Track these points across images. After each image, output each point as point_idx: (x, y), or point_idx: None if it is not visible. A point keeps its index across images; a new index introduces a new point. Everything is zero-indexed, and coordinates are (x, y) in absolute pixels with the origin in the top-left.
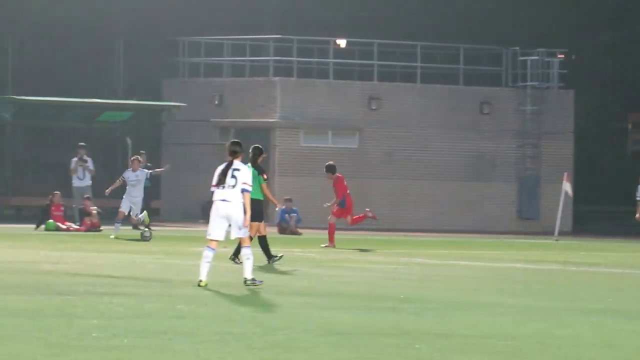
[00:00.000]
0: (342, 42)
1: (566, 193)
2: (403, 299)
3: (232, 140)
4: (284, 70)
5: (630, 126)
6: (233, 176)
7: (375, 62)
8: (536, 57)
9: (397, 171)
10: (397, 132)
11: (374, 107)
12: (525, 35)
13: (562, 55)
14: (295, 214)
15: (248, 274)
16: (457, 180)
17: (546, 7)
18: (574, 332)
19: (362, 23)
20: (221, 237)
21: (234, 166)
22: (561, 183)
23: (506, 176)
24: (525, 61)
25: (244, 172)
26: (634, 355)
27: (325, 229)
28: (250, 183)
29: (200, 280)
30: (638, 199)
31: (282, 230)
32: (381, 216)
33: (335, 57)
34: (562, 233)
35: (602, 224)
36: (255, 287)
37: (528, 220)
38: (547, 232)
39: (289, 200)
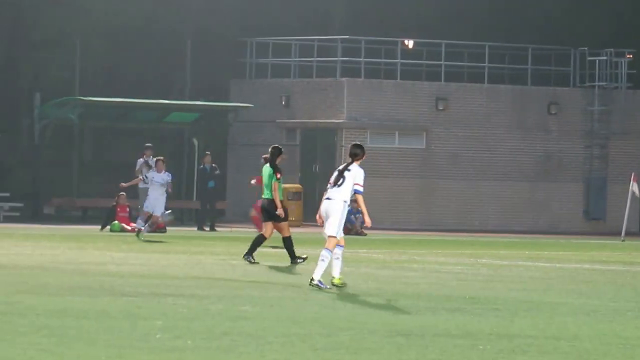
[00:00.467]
0: (409, 43)
1: (634, 193)
2: (468, 300)
3: (355, 142)
4: (351, 71)
5: None
6: (343, 176)
7: (442, 62)
8: (604, 57)
9: (463, 172)
10: (464, 132)
11: (441, 108)
12: (595, 35)
13: (631, 56)
14: (360, 215)
15: (336, 272)
16: (523, 181)
17: (615, 6)
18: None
19: (430, 23)
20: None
21: (348, 167)
22: (629, 183)
23: (573, 176)
24: (593, 61)
25: (354, 173)
26: None
27: (392, 229)
28: (362, 183)
29: (333, 277)
30: None
31: (347, 231)
32: (448, 217)
33: (402, 58)
34: (629, 233)
35: None
36: (318, 289)
37: (595, 220)
38: (614, 233)
39: (354, 201)
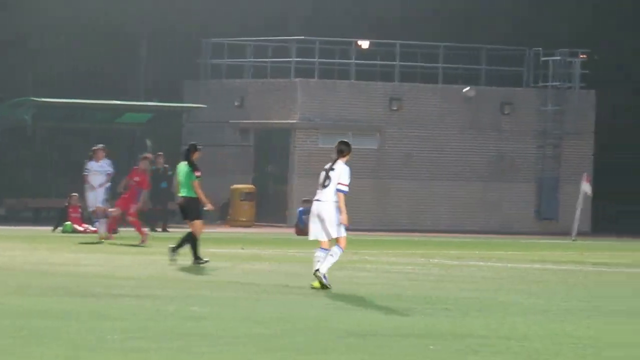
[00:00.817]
0: (364, 44)
1: (585, 193)
2: (420, 300)
3: (341, 140)
4: (305, 72)
5: None
6: (328, 176)
7: (396, 63)
8: (558, 58)
9: (416, 172)
10: (418, 132)
11: (394, 108)
12: (549, 36)
13: (585, 56)
14: None
15: (324, 268)
16: (476, 181)
17: (570, 8)
18: (592, 332)
19: (384, 24)
20: (322, 238)
21: (333, 166)
22: (580, 183)
23: (526, 176)
24: (547, 62)
25: (338, 172)
26: None
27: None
28: (345, 182)
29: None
30: None
31: (300, 231)
32: (403, 218)
33: (356, 58)
34: (581, 233)
35: (623, 223)
36: (321, 284)
37: (547, 220)
38: (566, 233)
39: (308, 201)
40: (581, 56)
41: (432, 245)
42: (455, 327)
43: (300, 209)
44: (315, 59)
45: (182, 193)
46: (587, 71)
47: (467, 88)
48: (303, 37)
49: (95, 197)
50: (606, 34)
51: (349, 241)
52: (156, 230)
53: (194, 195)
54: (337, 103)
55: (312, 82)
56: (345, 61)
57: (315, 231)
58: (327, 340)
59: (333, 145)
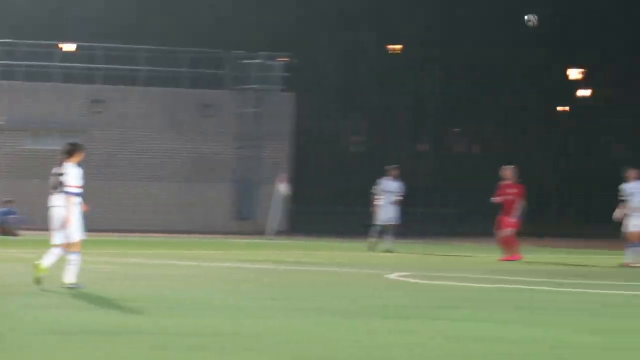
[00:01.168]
0: (67, 46)
1: (282, 194)
2: (116, 298)
3: (69, 141)
4: (10, 74)
5: (350, 126)
6: (59, 180)
7: (98, 65)
8: (258, 61)
9: (120, 172)
10: (121, 133)
11: (98, 110)
12: (250, 40)
13: (285, 59)
14: (15, 215)
15: (70, 278)
16: (176, 182)
17: (269, 13)
18: (280, 327)
19: (86, 26)
20: (64, 240)
21: (61, 169)
22: (281, 183)
23: (225, 177)
24: (248, 64)
25: (66, 175)
26: (355, 349)
27: (44, 229)
28: (73, 184)
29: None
30: (624, 198)
31: (2, 231)
32: (103, 218)
33: (60, 61)
34: (280, 233)
35: (321, 223)
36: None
37: (246, 220)
38: (266, 232)
39: (10, 201)
40: (281, 59)
41: (132, 245)
42: (150, 323)
43: (3, 209)
44: (20, 62)
45: None
46: (288, 74)
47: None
48: (8, 40)
49: None
50: (305, 38)
51: (47, 241)
52: None
53: None
54: (41, 105)
55: (16, 85)
56: (50, 64)
57: (57, 237)
58: (22, 338)
59: (40, 146)
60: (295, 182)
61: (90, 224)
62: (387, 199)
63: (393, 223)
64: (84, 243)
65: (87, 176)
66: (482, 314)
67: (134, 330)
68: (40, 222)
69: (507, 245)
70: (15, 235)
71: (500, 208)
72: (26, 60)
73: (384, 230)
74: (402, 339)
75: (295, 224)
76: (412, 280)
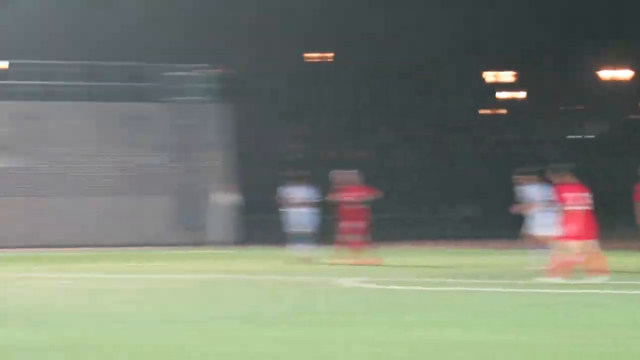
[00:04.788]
0: (3, 64)
1: (224, 203)
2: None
3: None
4: None
5: (288, 134)
6: None
7: (21, 82)
8: (187, 73)
9: (51, 188)
10: (56, 149)
11: (26, 127)
12: (183, 51)
13: (216, 70)
14: None
15: None
16: (114, 195)
17: (182, 25)
18: (178, 341)
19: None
20: None
21: None
22: (221, 193)
23: (164, 189)
24: (178, 77)
25: None
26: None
27: None
28: None
29: None
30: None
31: None
32: (28, 234)
33: None
34: (225, 243)
35: (265, 233)
36: None
37: (189, 231)
38: (211, 243)
39: None
40: (206, 71)
41: (65, 260)
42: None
43: None
44: None
45: None
46: (218, 85)
47: None
48: None
49: None
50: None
51: None
52: None
53: None
54: None
55: None
56: None
57: None
58: None
59: None
60: (242, 191)
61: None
62: (301, 205)
63: (307, 230)
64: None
65: (10, 192)
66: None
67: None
68: None
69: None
70: None
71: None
72: None
73: (299, 237)
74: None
75: (242, 233)
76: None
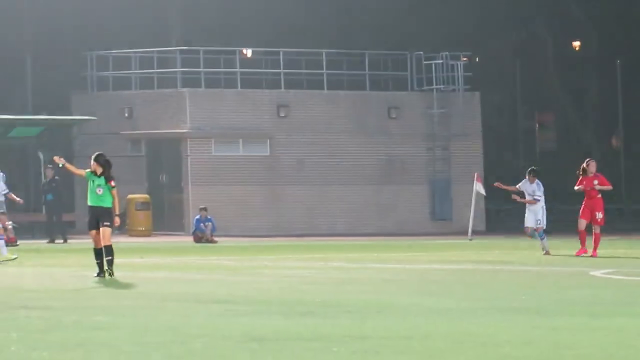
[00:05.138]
0: (248, 52)
1: (478, 193)
2: (319, 303)
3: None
4: (191, 81)
5: (537, 126)
6: None
7: (281, 70)
8: (441, 61)
9: (309, 177)
10: (307, 138)
11: (282, 115)
12: (430, 39)
13: (466, 58)
14: (210, 223)
15: None
16: (368, 184)
17: (447, 11)
18: (491, 330)
19: (267, 32)
20: None
21: None
22: (472, 183)
23: (417, 179)
24: (429, 65)
25: None
26: (551, 351)
27: (242, 236)
28: None
29: None
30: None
31: (198, 239)
32: (296, 222)
33: (241, 67)
34: (476, 232)
35: (513, 222)
36: None
37: (441, 221)
38: (460, 233)
39: (204, 209)
40: (463, 59)
41: (330, 249)
42: (356, 329)
43: (197, 216)
44: (201, 69)
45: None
46: (470, 73)
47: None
48: (186, 48)
49: None
50: (485, 36)
51: (245, 248)
52: (55, 242)
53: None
54: (225, 111)
55: (199, 92)
56: (231, 70)
57: None
58: (225, 346)
59: (228, 152)
60: (487, 180)
61: (286, 230)
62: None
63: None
64: (282, 248)
65: (275, 181)
66: None
67: (339, 335)
68: (236, 229)
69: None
70: (212, 242)
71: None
72: (207, 67)
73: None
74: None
75: (490, 223)
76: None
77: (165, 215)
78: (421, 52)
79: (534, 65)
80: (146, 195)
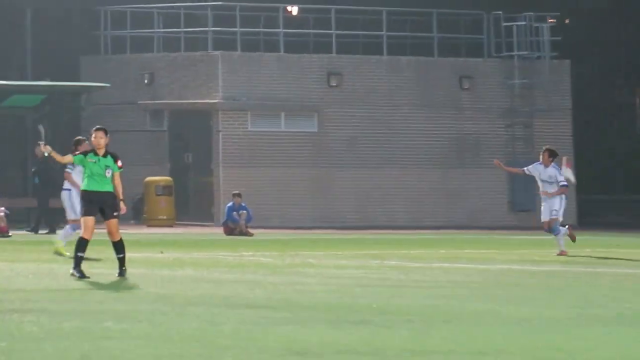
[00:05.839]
0: (293, 9)
1: (567, 180)
2: (375, 310)
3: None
4: (225, 43)
5: (638, 100)
6: None
7: (333, 31)
8: (523, 23)
9: (364, 159)
10: (362, 112)
11: (334, 84)
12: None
13: (554, 20)
14: (245, 211)
15: None
16: (434, 168)
17: None
18: (583, 345)
19: None
20: None
21: None
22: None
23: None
24: (510, 28)
25: None
26: None
27: (282, 227)
28: None
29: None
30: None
31: (230, 230)
32: (347, 212)
33: (285, 27)
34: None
35: (608, 215)
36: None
37: (522, 212)
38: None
39: (238, 195)
40: (550, 21)
41: (387, 245)
42: (419, 341)
43: (229, 204)
44: (237, 28)
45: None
46: (559, 38)
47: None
48: (220, 3)
49: None
50: None
51: (286, 242)
52: (38, 232)
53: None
54: (265, 79)
55: (234, 56)
56: (273, 30)
57: None
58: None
59: (266, 128)
60: (577, 166)
61: (334, 221)
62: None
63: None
64: (330, 243)
65: (324, 163)
66: None
67: (398, 349)
68: (275, 219)
69: None
70: (247, 234)
71: None
72: (244, 26)
73: None
74: None
75: (581, 215)
76: None
77: (190, 202)
78: (500, 12)
79: (634, 28)
80: (168, 178)
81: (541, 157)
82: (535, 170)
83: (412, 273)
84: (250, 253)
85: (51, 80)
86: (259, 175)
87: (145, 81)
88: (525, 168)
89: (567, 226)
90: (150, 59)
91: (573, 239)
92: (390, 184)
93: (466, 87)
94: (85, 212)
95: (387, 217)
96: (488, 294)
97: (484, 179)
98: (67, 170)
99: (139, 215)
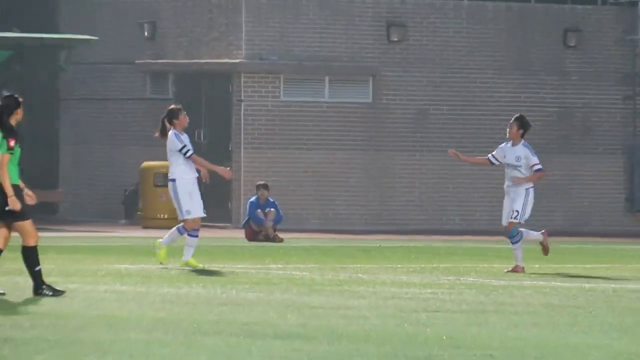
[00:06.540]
0: None
1: None
2: (445, 343)
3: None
4: None
5: None
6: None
7: None
8: None
9: (433, 138)
10: (432, 76)
11: (395, 39)
12: None
13: None
14: (273, 209)
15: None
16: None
17: None
18: None
19: None
20: None
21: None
22: None
23: (607, 145)
24: None
25: None
26: None
27: (324, 231)
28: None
29: None
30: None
31: (254, 234)
32: (410, 211)
33: None
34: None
35: None
36: None
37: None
38: None
39: (264, 187)
40: None
41: (464, 255)
42: None
43: (252, 199)
44: None
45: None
46: None
47: None
48: None
49: None
50: None
51: (328, 250)
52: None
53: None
54: (304, 32)
55: (262, 0)
56: None
57: None
58: None
59: (301, 98)
60: None
61: (394, 222)
62: None
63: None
64: (387, 252)
65: (382, 144)
66: None
67: None
68: (314, 220)
69: None
70: (276, 239)
71: None
72: None
73: None
74: None
75: None
76: None
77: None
78: None
79: None
80: None
81: (508, 130)
82: (501, 152)
83: (495, 293)
84: (279, 265)
85: (21, 32)
86: (293, 160)
87: (146, 34)
88: (489, 155)
89: (542, 231)
90: (151, 3)
91: (545, 251)
92: (469, 174)
93: (572, 44)
94: (27, 215)
95: (464, 219)
96: (595, 322)
97: (593, 169)
98: None
99: (131, 212)
